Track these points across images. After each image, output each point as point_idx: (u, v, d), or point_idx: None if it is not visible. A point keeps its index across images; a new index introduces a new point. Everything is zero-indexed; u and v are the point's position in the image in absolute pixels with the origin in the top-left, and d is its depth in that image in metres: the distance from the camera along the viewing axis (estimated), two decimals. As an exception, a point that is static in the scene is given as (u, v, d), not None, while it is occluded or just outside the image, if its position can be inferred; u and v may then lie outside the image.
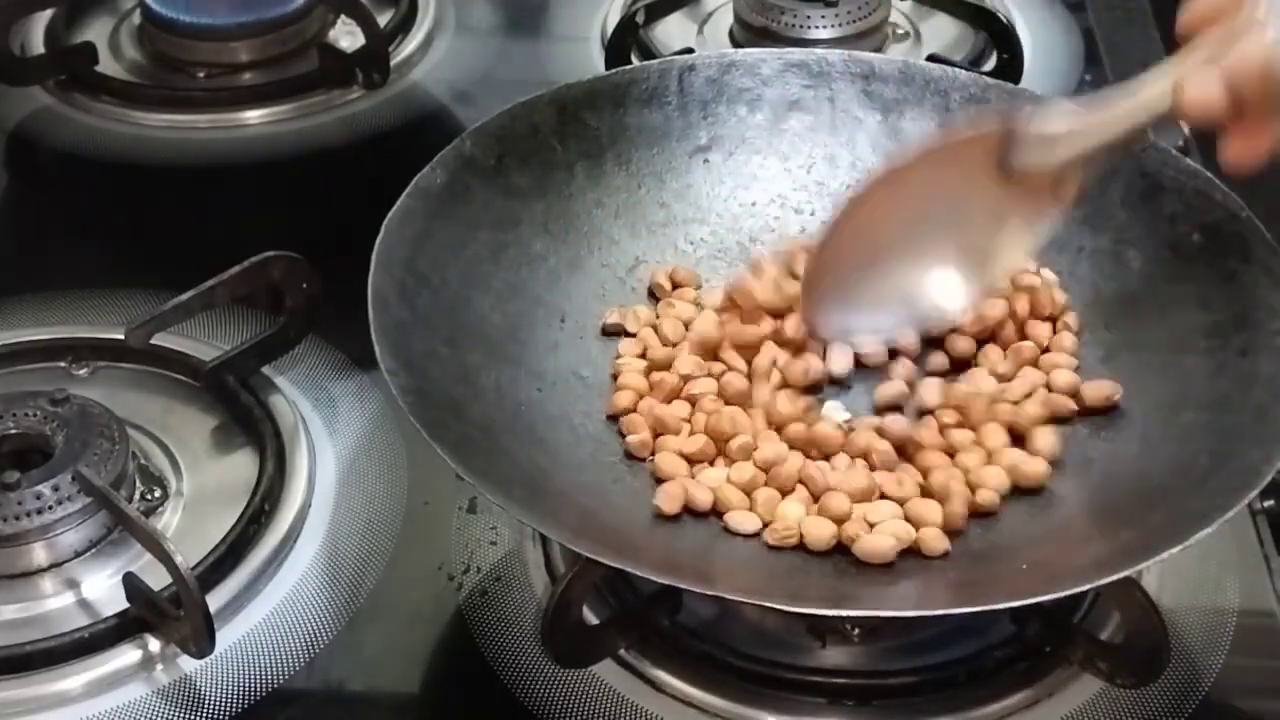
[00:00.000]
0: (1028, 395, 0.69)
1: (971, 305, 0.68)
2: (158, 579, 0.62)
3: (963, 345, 0.71)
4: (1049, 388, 0.69)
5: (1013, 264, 0.69)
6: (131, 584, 0.63)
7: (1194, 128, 0.60)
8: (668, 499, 0.64)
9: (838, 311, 0.69)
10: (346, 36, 1.03)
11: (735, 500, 0.64)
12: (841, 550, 0.63)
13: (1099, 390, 0.68)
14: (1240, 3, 0.58)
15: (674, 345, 0.71)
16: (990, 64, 0.96)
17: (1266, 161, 0.59)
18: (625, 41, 0.96)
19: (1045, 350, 0.71)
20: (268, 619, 0.66)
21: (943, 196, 0.66)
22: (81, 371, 0.77)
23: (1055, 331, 0.72)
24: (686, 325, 0.72)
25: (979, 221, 0.65)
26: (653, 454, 0.67)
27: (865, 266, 0.67)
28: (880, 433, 0.67)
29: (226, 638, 0.64)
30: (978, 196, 0.65)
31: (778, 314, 0.71)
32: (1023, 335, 0.71)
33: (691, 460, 0.66)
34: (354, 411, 0.75)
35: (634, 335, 0.72)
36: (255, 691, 0.63)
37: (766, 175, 0.79)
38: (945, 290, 0.67)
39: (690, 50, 0.96)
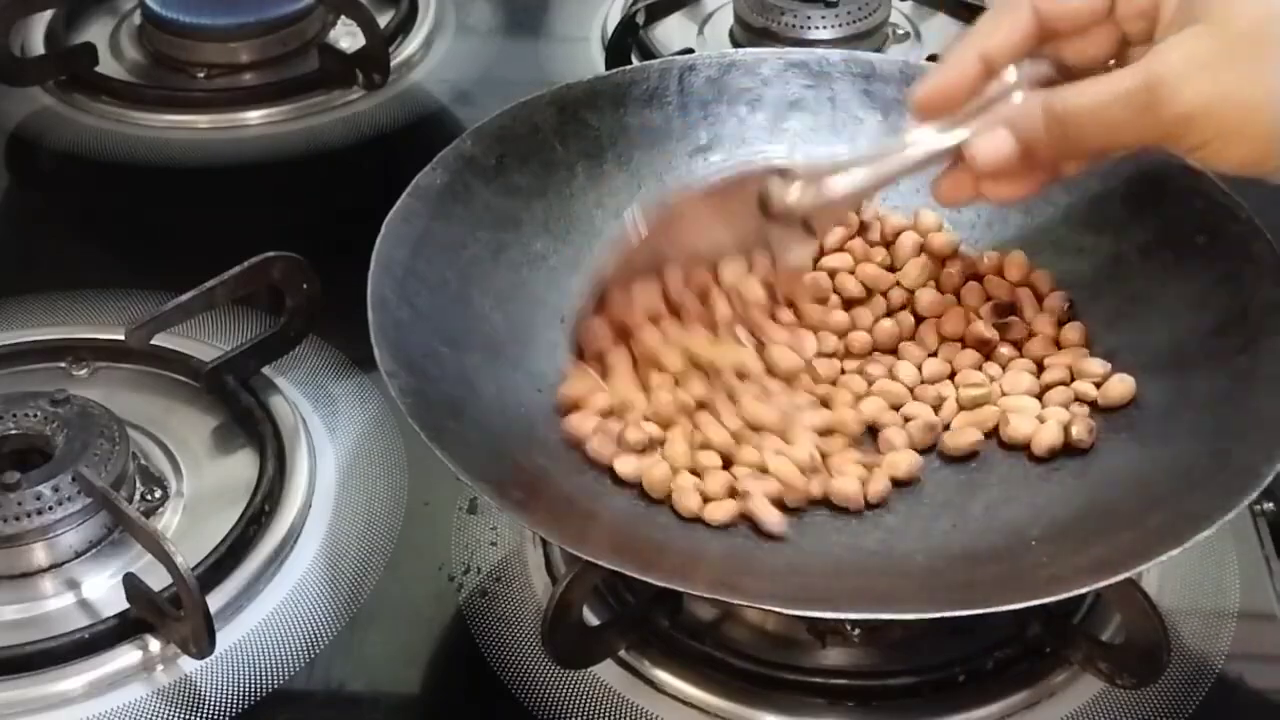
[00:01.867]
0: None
1: None
2: (158, 579, 0.62)
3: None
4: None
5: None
6: (132, 584, 0.63)
7: (958, 174, 0.62)
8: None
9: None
10: (346, 37, 1.03)
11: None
12: (842, 550, 0.63)
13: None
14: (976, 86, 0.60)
15: None
16: (990, 64, 0.96)
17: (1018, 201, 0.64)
18: (625, 42, 0.96)
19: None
20: (268, 619, 0.66)
21: (707, 232, 0.66)
22: (81, 372, 0.77)
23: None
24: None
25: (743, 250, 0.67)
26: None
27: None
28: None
29: (227, 638, 0.64)
30: (741, 229, 0.66)
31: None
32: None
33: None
34: (354, 412, 0.75)
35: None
36: (256, 692, 0.63)
37: (766, 175, 0.78)
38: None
39: (690, 50, 0.96)
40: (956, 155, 0.61)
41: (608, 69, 0.93)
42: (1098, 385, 0.68)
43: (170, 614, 0.62)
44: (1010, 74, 0.60)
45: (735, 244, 0.67)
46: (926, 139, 0.62)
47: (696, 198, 0.67)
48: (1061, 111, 0.58)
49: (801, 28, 0.97)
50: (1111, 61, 0.60)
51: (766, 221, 0.66)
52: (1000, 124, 0.60)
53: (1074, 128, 0.58)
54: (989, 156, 0.60)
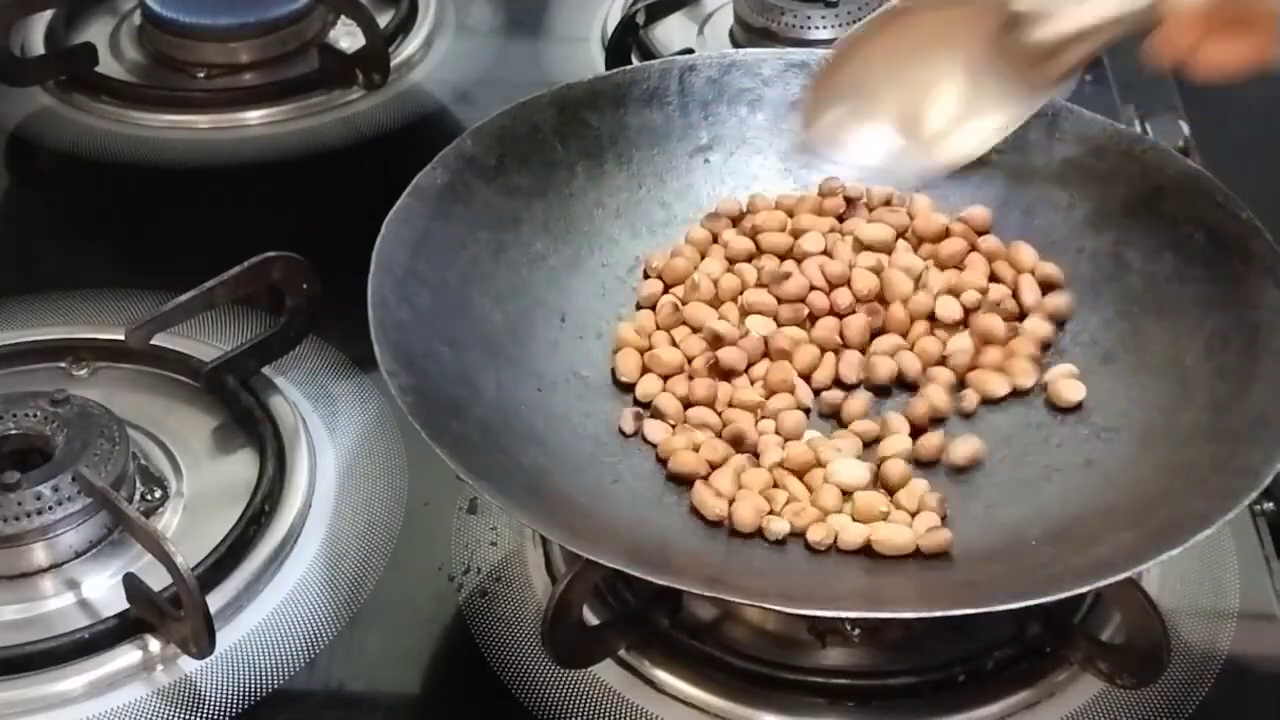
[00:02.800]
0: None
1: (940, 166, 0.72)
2: (158, 579, 0.62)
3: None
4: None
5: (989, 133, 0.71)
6: (132, 584, 0.63)
7: (1172, 27, 0.62)
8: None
9: (833, 126, 0.72)
10: (346, 37, 1.03)
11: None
12: (843, 551, 0.63)
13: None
14: None
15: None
16: (990, 64, 0.96)
17: (1241, 74, 0.62)
18: (625, 42, 0.96)
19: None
20: (268, 619, 0.66)
21: (939, 48, 0.69)
22: (81, 372, 0.77)
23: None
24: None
25: (967, 80, 0.70)
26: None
27: (862, 93, 0.71)
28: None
29: (227, 638, 0.64)
30: (970, 56, 0.69)
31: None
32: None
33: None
34: (354, 411, 0.75)
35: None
36: (256, 692, 0.63)
37: (767, 175, 0.78)
38: (924, 139, 0.71)
39: (690, 50, 0.96)
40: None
41: (608, 69, 0.93)
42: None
43: (170, 614, 0.62)
44: None
45: (953, 69, 0.69)
46: None
47: (922, 9, 0.69)
48: None
49: (801, 28, 0.97)
50: None
51: (998, 52, 0.68)
52: None
53: None
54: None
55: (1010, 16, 0.67)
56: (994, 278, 0.73)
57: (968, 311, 0.72)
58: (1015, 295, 0.72)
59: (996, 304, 0.71)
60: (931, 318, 0.72)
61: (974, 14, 0.69)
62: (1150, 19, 0.63)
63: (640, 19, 0.97)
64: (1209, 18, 0.60)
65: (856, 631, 0.64)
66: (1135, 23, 0.64)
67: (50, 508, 0.65)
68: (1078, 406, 0.68)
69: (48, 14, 1.03)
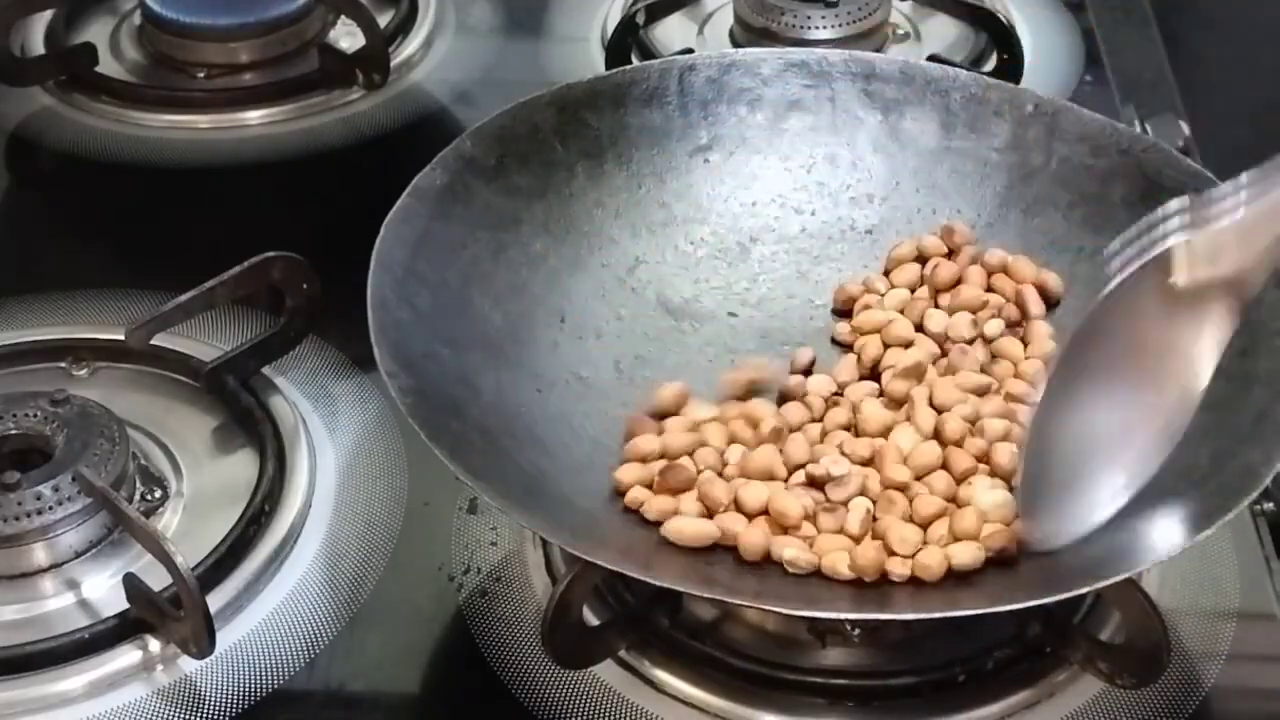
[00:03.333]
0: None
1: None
2: (158, 579, 0.62)
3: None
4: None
5: (1200, 384, 0.59)
6: (132, 584, 0.63)
7: None
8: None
9: (1061, 512, 0.60)
10: (346, 37, 1.03)
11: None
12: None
13: None
14: None
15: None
16: (990, 64, 0.96)
17: None
18: (625, 42, 0.96)
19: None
20: (268, 619, 0.66)
21: (1122, 350, 0.59)
22: (81, 372, 0.77)
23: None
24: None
25: (1165, 358, 0.59)
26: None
27: (1076, 455, 0.60)
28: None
29: (227, 638, 0.64)
30: (1156, 331, 0.58)
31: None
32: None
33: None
34: (354, 412, 0.75)
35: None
36: (256, 692, 0.63)
37: (767, 175, 0.78)
38: (1158, 439, 0.60)
39: (690, 50, 0.96)
40: None
41: (608, 69, 0.93)
42: None
43: (170, 614, 0.62)
44: None
45: (1145, 342, 0.58)
46: None
47: (1098, 318, 0.58)
48: None
49: (801, 28, 0.97)
50: None
51: (1172, 308, 0.57)
52: None
53: None
54: None
55: (1164, 263, 0.56)
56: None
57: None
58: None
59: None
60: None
61: (1133, 289, 0.57)
62: None
63: (640, 19, 0.97)
64: None
65: (856, 632, 0.64)
66: None
67: (50, 508, 0.65)
68: None
69: (48, 14, 1.03)
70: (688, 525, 0.62)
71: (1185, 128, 0.90)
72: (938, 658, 0.63)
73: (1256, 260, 0.55)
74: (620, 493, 0.64)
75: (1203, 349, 0.58)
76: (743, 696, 0.63)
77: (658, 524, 0.63)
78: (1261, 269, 0.55)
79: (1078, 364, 0.59)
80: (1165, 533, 0.57)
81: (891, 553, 0.61)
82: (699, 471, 0.65)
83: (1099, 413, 0.60)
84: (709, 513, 0.63)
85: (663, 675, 0.63)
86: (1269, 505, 0.71)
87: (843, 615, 0.63)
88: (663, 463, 0.65)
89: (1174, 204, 0.56)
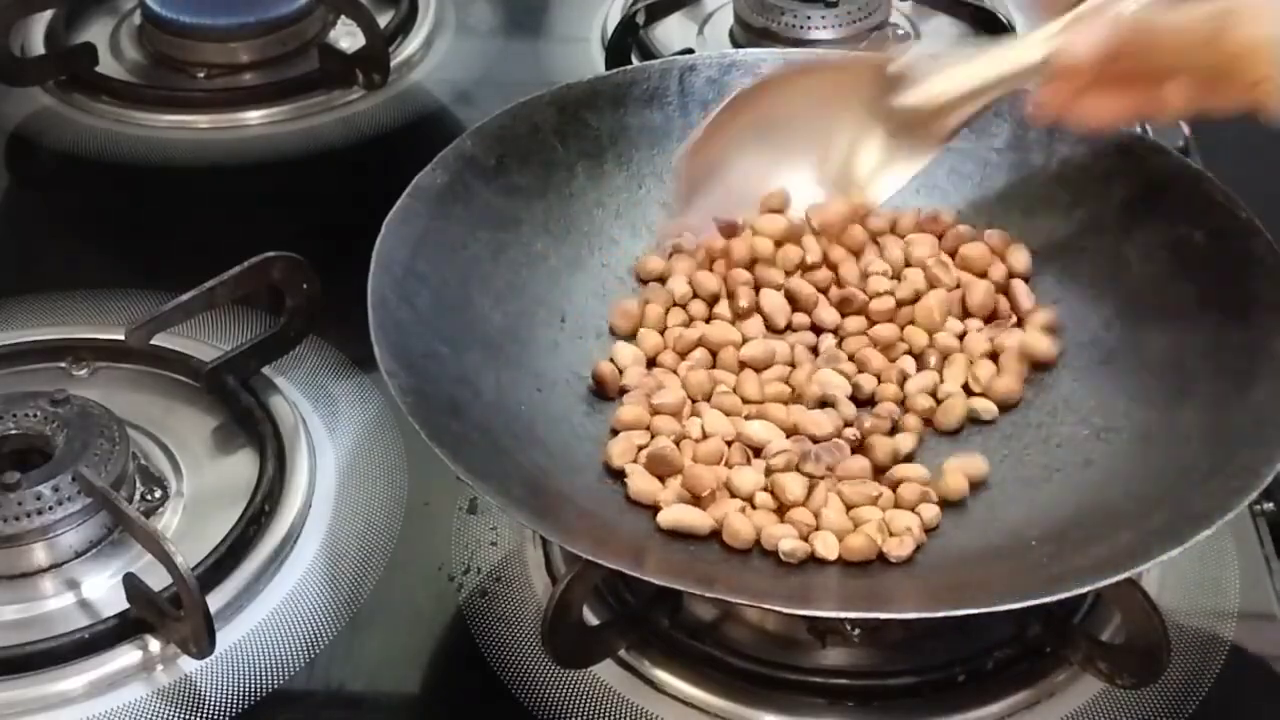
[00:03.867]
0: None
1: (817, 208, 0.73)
2: (158, 579, 0.62)
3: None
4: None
5: (882, 189, 0.73)
6: (132, 584, 0.63)
7: (1055, 80, 0.64)
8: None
9: (707, 195, 0.73)
10: (346, 37, 1.03)
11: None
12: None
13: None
14: None
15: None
16: (990, 64, 0.96)
17: (1115, 126, 0.67)
18: (625, 42, 0.96)
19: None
20: (268, 619, 0.66)
21: (816, 111, 0.72)
22: (81, 372, 0.77)
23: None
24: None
25: (844, 142, 0.72)
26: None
27: (735, 160, 0.73)
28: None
29: (227, 638, 0.64)
30: (849, 119, 0.72)
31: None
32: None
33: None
34: (354, 412, 0.75)
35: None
36: (255, 692, 0.63)
37: (767, 175, 0.78)
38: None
39: (690, 50, 0.96)
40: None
41: (608, 69, 0.93)
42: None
43: (170, 614, 0.62)
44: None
45: (830, 128, 0.72)
46: (1037, 38, 0.65)
47: (799, 72, 0.73)
48: (1145, 24, 0.61)
49: (801, 28, 0.97)
50: None
51: (870, 117, 0.71)
52: (1096, 27, 0.62)
53: (1150, 40, 0.61)
54: (1080, 49, 0.62)
55: (888, 80, 0.70)
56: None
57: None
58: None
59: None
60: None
61: (852, 78, 0.71)
62: (1030, 78, 0.65)
63: (640, 19, 0.97)
64: (1093, 73, 0.62)
65: (856, 631, 0.64)
66: (1016, 84, 0.67)
67: (50, 508, 0.65)
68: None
69: (48, 14, 1.03)
70: (684, 514, 0.63)
71: (1185, 128, 0.90)
72: (938, 658, 0.63)
73: (947, 102, 0.69)
74: (611, 469, 0.66)
75: (891, 165, 0.72)
76: (743, 696, 0.63)
77: (657, 518, 0.63)
78: (953, 115, 0.70)
79: (778, 96, 0.72)
80: (1165, 532, 0.57)
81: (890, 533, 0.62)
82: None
83: (769, 137, 0.73)
84: (695, 499, 0.64)
85: (663, 675, 0.63)
86: (1269, 505, 0.71)
87: (843, 615, 0.63)
88: (646, 436, 0.66)
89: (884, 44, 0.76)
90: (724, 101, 0.72)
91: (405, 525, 0.70)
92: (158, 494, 0.70)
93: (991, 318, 0.72)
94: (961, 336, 0.72)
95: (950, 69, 0.69)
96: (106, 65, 1.00)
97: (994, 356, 0.70)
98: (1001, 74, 0.67)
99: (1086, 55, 0.62)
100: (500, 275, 0.72)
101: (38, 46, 1.01)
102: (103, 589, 0.66)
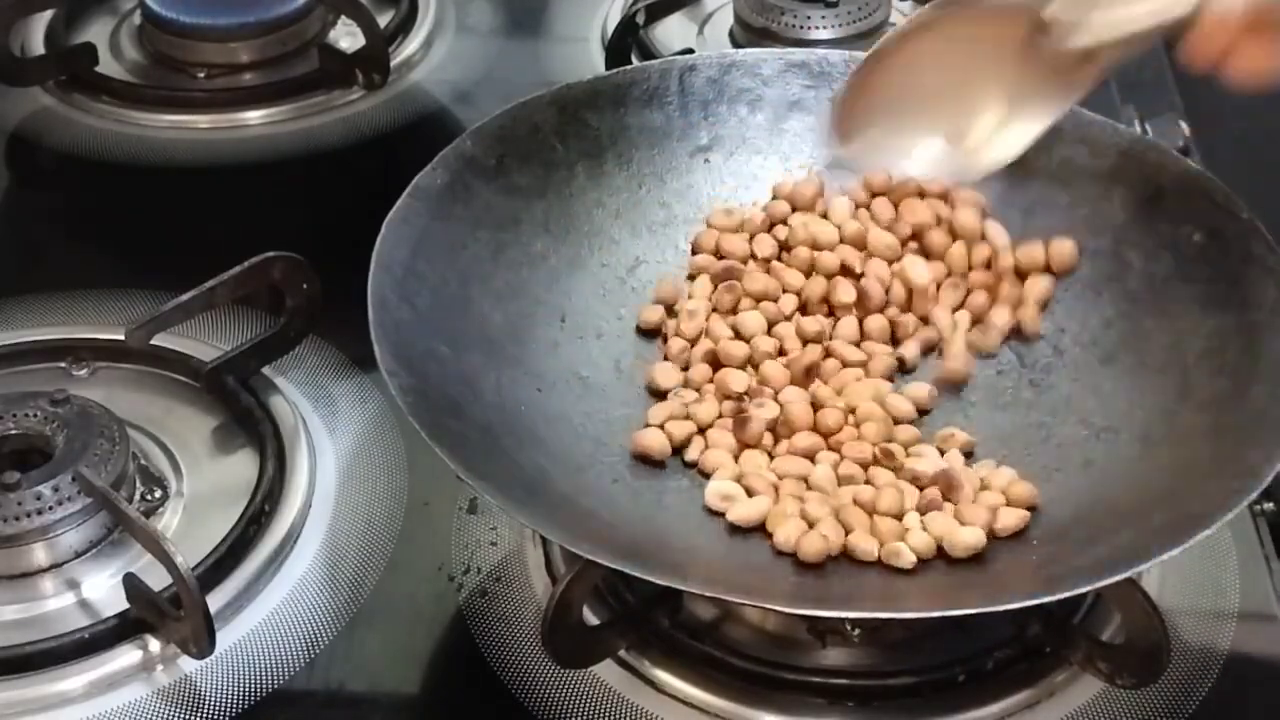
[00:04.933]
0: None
1: (978, 171, 0.73)
2: (158, 579, 0.62)
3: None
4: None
5: (1024, 137, 0.72)
6: (132, 584, 0.63)
7: (1207, 29, 0.62)
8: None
9: (864, 135, 0.74)
10: (346, 37, 1.03)
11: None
12: (844, 553, 0.63)
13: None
14: None
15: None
16: (990, 64, 0.96)
17: (1270, 79, 0.62)
18: (625, 42, 0.96)
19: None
20: (268, 619, 0.66)
21: (967, 56, 0.70)
22: (81, 372, 0.77)
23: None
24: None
25: (1000, 86, 0.71)
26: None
27: (894, 105, 0.73)
28: None
29: (227, 638, 0.64)
30: (1001, 63, 0.70)
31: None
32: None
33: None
34: (354, 412, 0.75)
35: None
36: (255, 692, 0.63)
37: (767, 175, 0.78)
38: (963, 145, 0.73)
39: (690, 50, 0.96)
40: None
41: (608, 69, 0.93)
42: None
43: (170, 614, 0.62)
44: None
45: (985, 76, 0.71)
46: None
47: (948, 19, 0.70)
48: None
49: (801, 28, 0.97)
50: None
51: (1025, 64, 0.69)
52: None
53: None
54: None
55: (1040, 23, 0.68)
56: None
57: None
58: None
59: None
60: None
61: (1003, 23, 0.69)
62: (1185, 24, 0.63)
63: (640, 19, 0.97)
64: (1247, 21, 0.61)
65: (856, 631, 0.64)
66: (1169, 28, 0.64)
67: (50, 508, 0.65)
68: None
69: (48, 14, 1.03)
70: (744, 508, 0.64)
71: (1185, 128, 0.90)
72: (938, 658, 0.63)
73: (1100, 43, 0.67)
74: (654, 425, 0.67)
75: (1040, 106, 0.71)
76: (743, 696, 0.63)
77: (658, 520, 0.63)
78: (1097, 62, 0.68)
79: (929, 40, 0.71)
80: (1165, 533, 0.57)
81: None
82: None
83: (935, 77, 0.71)
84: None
85: (663, 675, 0.63)
86: (1269, 505, 0.71)
87: (843, 615, 0.63)
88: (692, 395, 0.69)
89: None
90: (873, 47, 0.72)
91: (405, 525, 0.70)
92: (158, 494, 0.70)
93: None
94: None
95: (1106, 12, 0.66)
96: (106, 65, 1.00)
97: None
98: (1158, 21, 0.64)
99: (1238, 3, 0.60)
100: (500, 275, 0.72)
101: (38, 46, 1.01)
102: (103, 589, 0.66)
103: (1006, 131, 0.72)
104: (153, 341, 0.72)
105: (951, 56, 0.71)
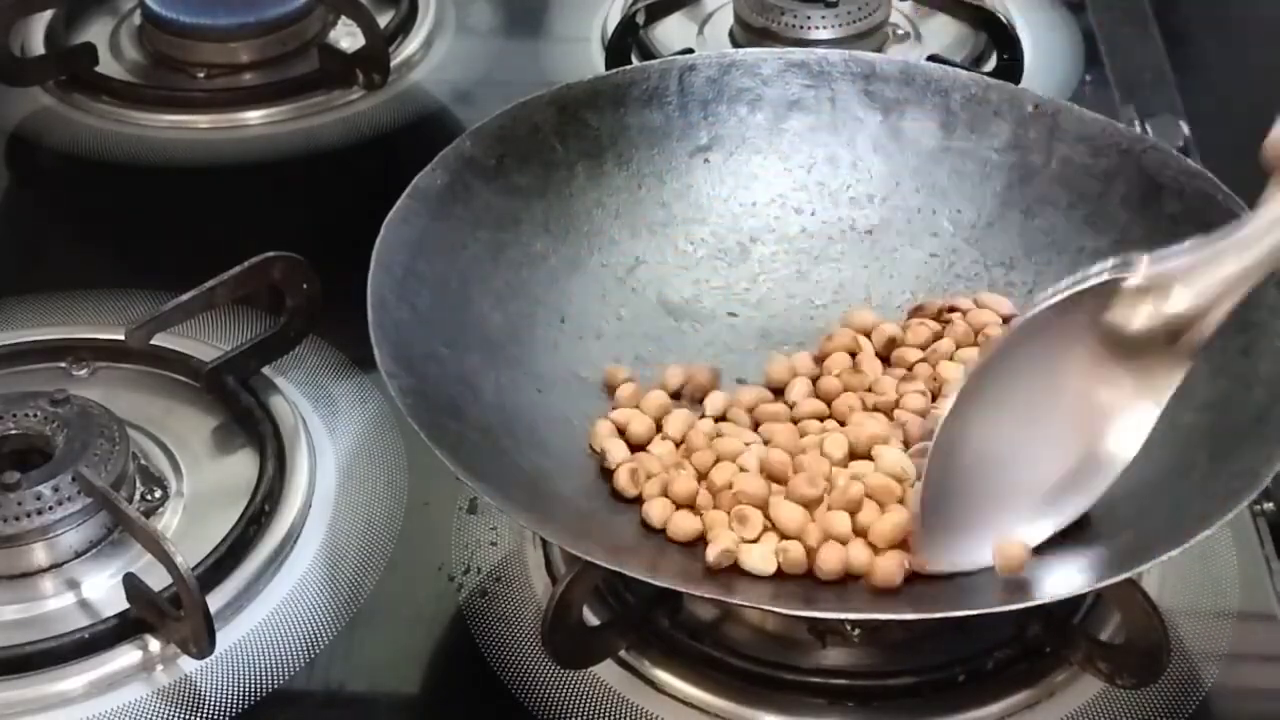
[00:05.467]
0: None
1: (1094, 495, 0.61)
2: (158, 579, 0.62)
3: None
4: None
5: (1134, 442, 0.60)
6: (132, 584, 0.63)
7: None
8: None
9: (957, 539, 0.60)
10: (346, 37, 1.03)
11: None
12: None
13: None
14: None
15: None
16: (990, 64, 0.96)
17: None
18: (625, 42, 0.96)
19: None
20: (268, 619, 0.66)
21: (1042, 381, 0.59)
22: (81, 372, 0.77)
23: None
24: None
25: (1088, 398, 0.60)
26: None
27: (977, 484, 0.60)
28: None
29: (227, 638, 0.64)
30: (1080, 370, 0.59)
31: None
32: None
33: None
34: (354, 412, 0.75)
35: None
36: (255, 692, 0.63)
37: (767, 175, 0.78)
38: (1070, 481, 0.61)
39: (690, 50, 0.96)
40: None
41: (608, 69, 0.93)
42: None
43: (170, 614, 0.62)
44: None
45: (1076, 379, 0.59)
46: None
47: (1006, 348, 0.59)
48: None
49: (801, 28, 0.97)
50: None
51: (1111, 352, 0.59)
52: None
53: None
54: None
55: (1124, 298, 0.58)
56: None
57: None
58: None
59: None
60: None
61: (1070, 326, 0.59)
62: None
63: (640, 19, 0.97)
64: None
65: (856, 632, 0.64)
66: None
67: (50, 508, 0.65)
68: None
69: (48, 14, 1.03)
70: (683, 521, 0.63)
71: (1185, 128, 0.90)
72: (938, 658, 0.63)
73: (1202, 304, 0.58)
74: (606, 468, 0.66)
75: (1136, 404, 0.60)
76: (743, 696, 0.63)
77: (658, 524, 0.63)
78: (1209, 317, 0.58)
79: (998, 382, 0.59)
80: (1165, 533, 0.57)
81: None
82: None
83: (1011, 436, 0.60)
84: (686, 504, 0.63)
85: (663, 675, 0.63)
86: (1269, 505, 0.71)
87: (843, 616, 0.63)
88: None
89: (1109, 261, 0.58)
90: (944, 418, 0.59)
91: (405, 525, 0.70)
92: (158, 494, 0.70)
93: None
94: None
95: (1205, 264, 0.57)
96: (106, 65, 1.00)
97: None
98: (1272, 252, 0.56)
99: None
100: (500, 275, 0.72)
101: (38, 46, 1.01)
102: (103, 589, 0.66)
103: (1113, 440, 0.60)
104: (153, 341, 0.72)
105: (1022, 398, 0.59)
